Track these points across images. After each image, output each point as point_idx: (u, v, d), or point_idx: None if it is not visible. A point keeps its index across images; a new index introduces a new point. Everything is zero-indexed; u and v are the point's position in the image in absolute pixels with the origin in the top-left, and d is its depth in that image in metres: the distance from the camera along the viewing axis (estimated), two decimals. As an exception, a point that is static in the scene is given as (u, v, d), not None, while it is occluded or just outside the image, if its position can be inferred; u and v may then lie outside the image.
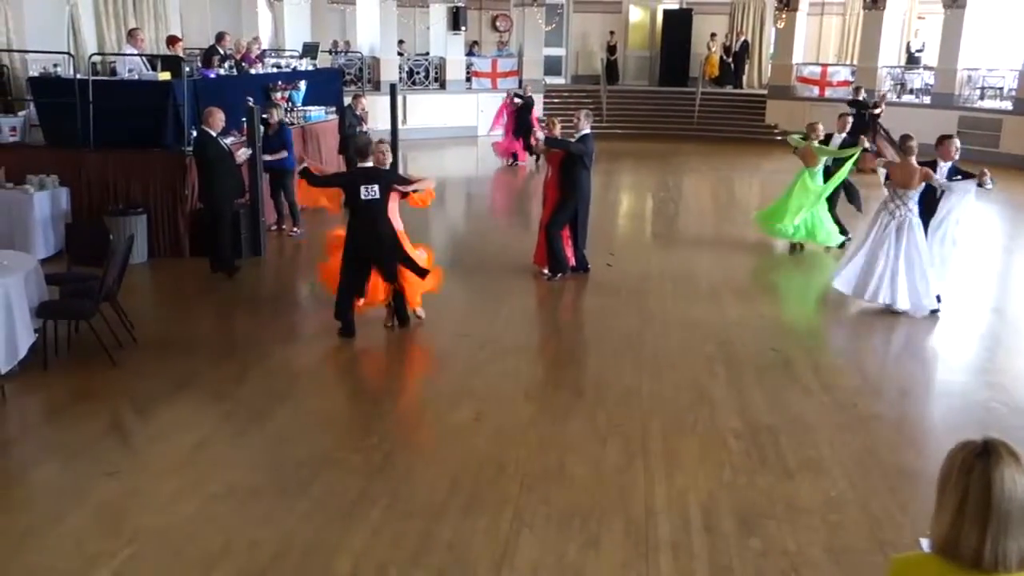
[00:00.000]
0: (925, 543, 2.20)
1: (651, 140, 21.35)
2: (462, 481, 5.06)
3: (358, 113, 13.07)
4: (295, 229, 11.21)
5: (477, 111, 22.09)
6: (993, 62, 19.38)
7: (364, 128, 13.79)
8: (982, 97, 19.33)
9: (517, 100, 17.88)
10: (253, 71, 13.72)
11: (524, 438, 5.66)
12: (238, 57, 13.89)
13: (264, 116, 10.52)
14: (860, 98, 14.13)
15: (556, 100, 23.47)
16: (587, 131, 9.00)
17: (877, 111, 16.22)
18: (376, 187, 7.09)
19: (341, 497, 4.85)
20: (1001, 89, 19.04)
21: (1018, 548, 1.93)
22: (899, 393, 6.61)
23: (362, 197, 7.08)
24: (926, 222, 8.17)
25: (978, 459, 1.97)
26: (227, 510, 4.72)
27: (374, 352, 7.39)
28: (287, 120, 11.54)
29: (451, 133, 20.39)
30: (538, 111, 18.26)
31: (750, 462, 5.35)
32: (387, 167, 7.44)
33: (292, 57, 16.14)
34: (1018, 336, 8.10)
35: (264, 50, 16.17)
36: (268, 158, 10.49)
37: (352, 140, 10.04)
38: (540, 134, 9.30)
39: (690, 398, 6.33)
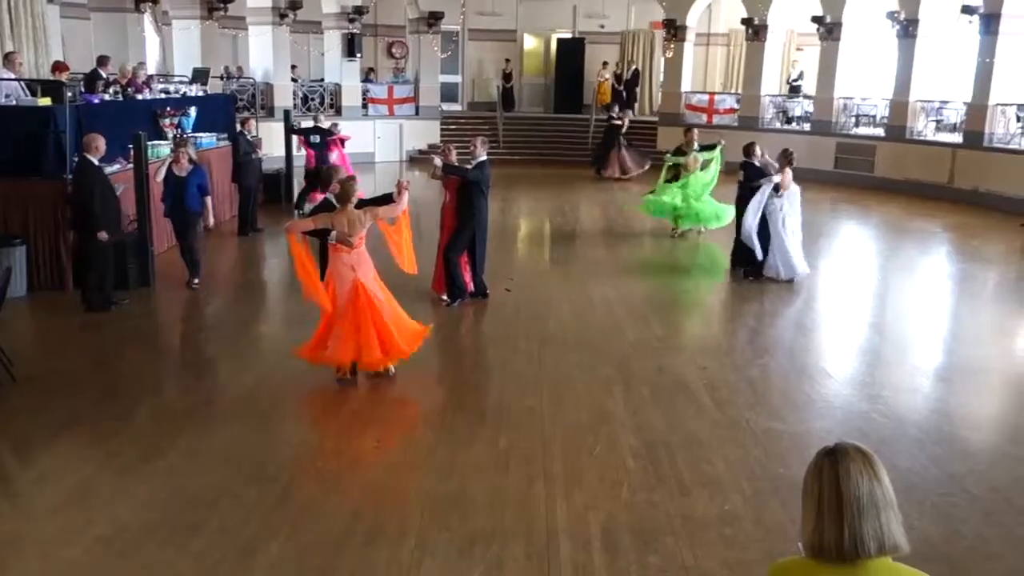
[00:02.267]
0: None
1: (547, 166, 21.69)
2: (363, 510, 4.99)
3: (250, 138, 12.84)
4: (195, 281, 9.96)
5: (374, 137, 22.03)
6: (866, 91, 20.50)
7: (260, 155, 13.57)
8: (857, 124, 20.41)
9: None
10: (140, 97, 13.34)
11: (425, 464, 5.64)
12: (124, 82, 13.48)
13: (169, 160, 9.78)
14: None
15: (453, 126, 23.62)
16: (483, 158, 9.09)
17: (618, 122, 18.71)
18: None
19: (237, 533, 4.72)
20: (874, 117, 20.14)
21: (873, 532, 2.05)
22: (788, 408, 6.86)
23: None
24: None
25: (827, 459, 2.12)
26: (115, 552, 4.53)
27: (269, 384, 7.22)
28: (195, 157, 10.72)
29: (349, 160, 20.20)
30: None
31: (648, 480, 5.46)
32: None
33: (181, 83, 15.75)
34: (895, 351, 8.53)
35: (151, 75, 15.75)
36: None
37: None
38: (438, 161, 9.32)
39: (589, 419, 6.42)
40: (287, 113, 16.86)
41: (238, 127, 13.65)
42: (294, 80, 21.61)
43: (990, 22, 16.82)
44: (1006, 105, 17.23)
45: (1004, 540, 4.90)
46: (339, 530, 4.76)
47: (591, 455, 5.80)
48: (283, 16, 19.96)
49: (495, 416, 6.47)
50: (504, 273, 10.58)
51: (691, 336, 9.22)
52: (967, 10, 17.53)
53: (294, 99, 20.79)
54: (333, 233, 6.73)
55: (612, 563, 4.51)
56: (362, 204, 7.06)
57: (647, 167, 19.38)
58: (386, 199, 7.36)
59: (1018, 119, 17.19)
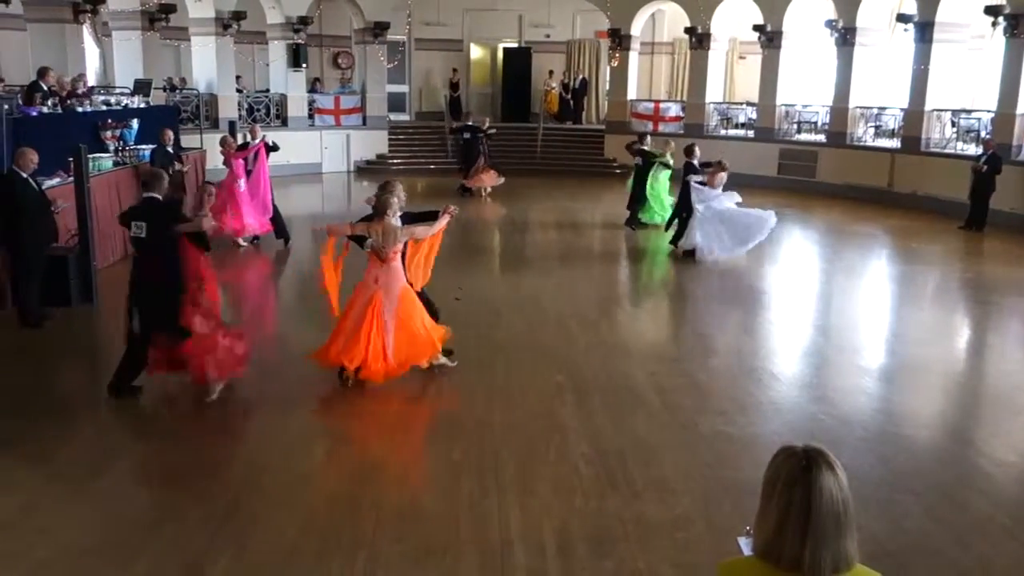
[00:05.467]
0: (743, 542, 2.33)
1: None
2: (314, 524, 4.93)
3: (169, 149, 12.53)
4: None
5: (321, 148, 21.87)
6: (808, 99, 20.92)
7: (182, 167, 13.20)
8: (799, 131, 20.81)
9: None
10: (81, 109, 13.07)
11: (377, 476, 5.59)
12: (63, 94, 13.20)
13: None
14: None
15: (401, 136, 23.57)
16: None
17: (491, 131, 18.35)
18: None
19: (183, 552, 4.62)
20: (815, 123, 20.56)
21: (831, 556, 2.08)
22: (736, 410, 6.94)
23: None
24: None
25: (800, 473, 2.11)
26: (57, 576, 4.41)
27: (215, 398, 7.10)
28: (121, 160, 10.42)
29: (295, 171, 20.02)
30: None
31: (600, 486, 5.48)
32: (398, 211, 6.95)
33: (123, 94, 15.47)
34: (840, 353, 8.69)
35: (92, 87, 15.44)
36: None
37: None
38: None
39: (541, 427, 6.43)
40: (232, 124, 16.64)
41: (160, 138, 13.13)
42: (239, 91, 21.36)
43: (924, 30, 17.30)
44: (941, 111, 17.73)
45: (946, 535, 5.01)
46: (288, 545, 4.70)
47: (546, 459, 5.80)
48: (227, 27, 19.72)
49: (447, 425, 6.44)
50: (453, 282, 10.54)
51: (640, 340, 9.28)
52: (902, 19, 18.04)
53: (239, 110, 20.54)
54: (369, 241, 6.79)
55: (566, 570, 4.52)
56: (407, 218, 7.16)
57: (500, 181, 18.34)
58: (430, 215, 7.41)
59: (953, 124, 17.69)
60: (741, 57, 24.30)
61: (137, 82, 16.63)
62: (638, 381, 7.46)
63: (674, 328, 9.89)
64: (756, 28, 20.58)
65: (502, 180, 18.13)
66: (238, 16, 19.72)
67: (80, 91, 13.78)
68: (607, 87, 25.50)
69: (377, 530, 4.88)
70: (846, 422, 6.69)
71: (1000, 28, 15.73)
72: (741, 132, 21.64)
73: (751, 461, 6.00)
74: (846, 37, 18.93)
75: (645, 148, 14.87)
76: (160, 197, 6.68)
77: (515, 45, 26.51)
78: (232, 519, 4.99)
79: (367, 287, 6.86)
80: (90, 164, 10.23)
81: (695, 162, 12.75)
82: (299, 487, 5.48)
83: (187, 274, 6.64)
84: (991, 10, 15.72)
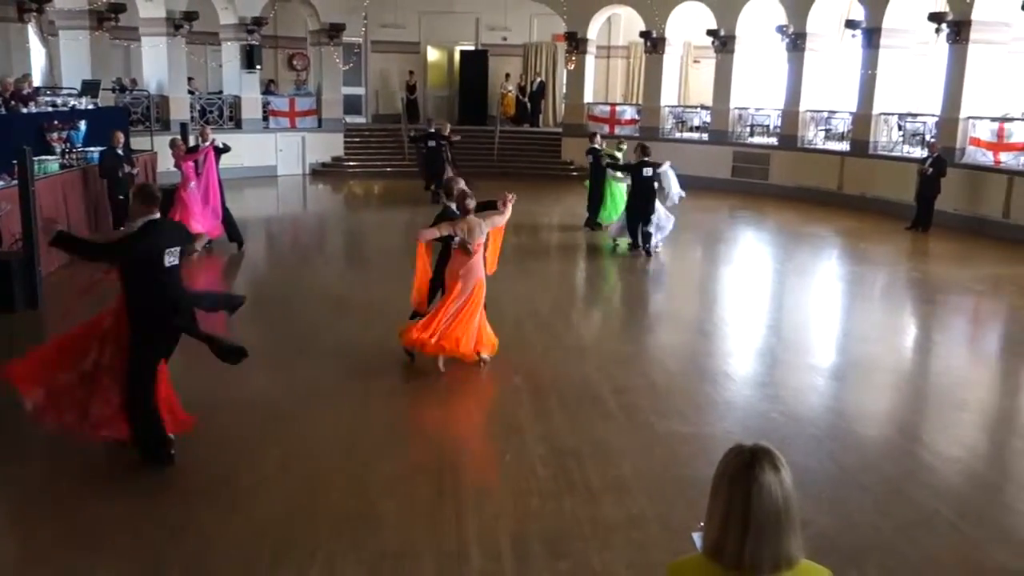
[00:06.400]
0: (696, 537, 2.37)
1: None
2: (269, 533, 4.88)
3: (119, 151, 12.31)
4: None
5: (276, 150, 21.67)
6: (761, 102, 21.22)
7: (132, 170, 12.97)
8: (752, 134, 21.10)
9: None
10: (25, 110, 12.79)
11: (333, 483, 5.55)
12: (7, 95, 12.90)
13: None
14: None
15: (357, 139, 23.43)
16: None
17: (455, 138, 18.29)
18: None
19: (137, 564, 4.55)
20: (768, 127, 20.86)
21: (771, 554, 2.12)
22: (691, 410, 7.02)
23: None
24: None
25: (743, 470, 2.14)
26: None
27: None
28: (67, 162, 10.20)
29: (248, 173, 19.80)
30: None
31: (557, 487, 5.51)
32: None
33: (70, 95, 15.17)
34: (791, 352, 8.83)
35: (37, 88, 15.11)
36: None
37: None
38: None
39: (499, 429, 6.45)
40: (183, 126, 16.42)
41: (111, 141, 12.89)
42: (191, 92, 21.06)
43: (871, 36, 17.66)
44: (889, 115, 18.10)
45: (896, 529, 5.12)
46: (242, 556, 4.65)
47: (503, 461, 5.81)
48: (178, 27, 19.42)
49: (403, 430, 6.42)
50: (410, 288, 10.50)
51: (596, 341, 9.33)
52: (851, 24, 18.39)
53: (191, 112, 20.25)
54: (457, 239, 7.33)
55: (522, 572, 4.54)
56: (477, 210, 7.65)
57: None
58: (490, 206, 7.85)
59: (899, 128, 18.07)
60: (695, 61, 24.56)
61: (85, 83, 16.32)
62: (595, 382, 7.50)
63: (631, 329, 9.96)
64: (710, 33, 20.83)
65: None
66: (190, 16, 19.44)
67: (25, 92, 13.47)
68: (564, 90, 25.62)
69: (332, 537, 4.85)
70: (798, 420, 6.81)
71: (943, 35, 16.12)
72: (696, 135, 21.88)
73: (706, 460, 6.07)
74: (796, 42, 19.25)
75: (596, 147, 14.98)
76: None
77: (472, 48, 26.50)
78: (183, 534, 4.91)
79: (454, 278, 7.45)
80: (35, 166, 10.03)
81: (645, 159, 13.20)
82: (253, 497, 5.41)
83: None
84: (935, 17, 16.11)
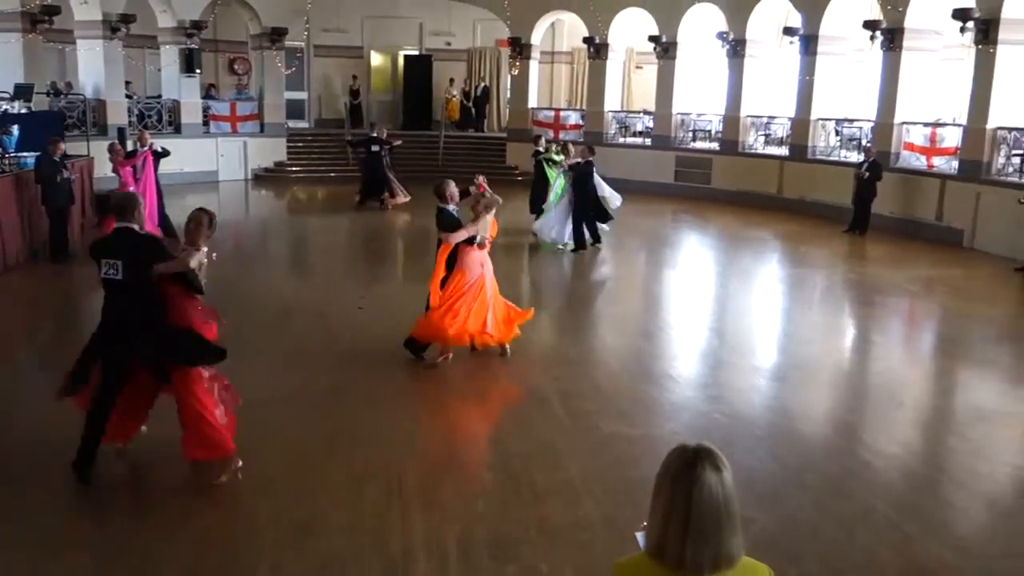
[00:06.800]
0: (640, 536, 2.38)
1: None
2: (214, 542, 4.80)
3: (57, 159, 11.99)
4: None
5: (217, 156, 21.34)
6: (702, 108, 21.52)
7: (70, 175, 12.62)
8: (694, 139, 21.39)
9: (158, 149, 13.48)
10: (-46, 114, 12.40)
11: (276, 490, 5.47)
12: (-66, 98, 12.50)
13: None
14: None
15: (300, 144, 23.18)
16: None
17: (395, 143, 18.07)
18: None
19: (73, 576, 4.44)
20: (709, 132, 21.17)
21: (712, 552, 2.14)
22: (636, 412, 7.08)
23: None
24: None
25: (685, 469, 2.16)
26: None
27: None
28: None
29: (189, 179, 19.45)
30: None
31: (504, 491, 5.51)
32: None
33: (2, 99, 14.74)
34: (734, 353, 8.97)
35: (-34, 91, 14.67)
36: None
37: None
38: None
39: (445, 434, 6.42)
40: (121, 131, 16.08)
41: (50, 148, 12.55)
42: (129, 96, 20.63)
43: (809, 43, 18.05)
44: (826, 120, 18.51)
45: (836, 526, 5.23)
46: (186, 568, 4.56)
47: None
48: (115, 30, 18.99)
49: (349, 437, 6.36)
50: (356, 293, 10.45)
51: (542, 345, 9.36)
52: (789, 32, 18.78)
53: (129, 116, 19.83)
54: (479, 237, 7.77)
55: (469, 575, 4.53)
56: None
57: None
58: (464, 194, 8.27)
59: (837, 133, 18.49)
60: (638, 67, 24.84)
61: (18, 86, 15.86)
62: (541, 386, 7.52)
63: (576, 332, 10.00)
64: (652, 39, 21.08)
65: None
66: (127, 19, 19.01)
67: (-46, 95, 13.08)
68: (508, 95, 25.70)
69: (279, 545, 4.78)
70: (740, 420, 6.91)
71: (878, 42, 16.55)
72: (639, 140, 22.11)
73: (651, 461, 6.10)
74: (736, 49, 19.59)
75: (539, 149, 15.04)
76: (138, 227, 5.52)
77: (416, 53, 26.43)
78: (130, 541, 4.81)
79: (474, 271, 7.80)
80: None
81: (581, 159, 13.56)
82: (199, 506, 5.31)
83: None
84: (869, 24, 16.56)
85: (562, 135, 22.15)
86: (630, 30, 22.30)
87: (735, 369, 8.43)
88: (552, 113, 23.64)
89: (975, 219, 14.64)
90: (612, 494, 5.53)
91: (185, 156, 20.09)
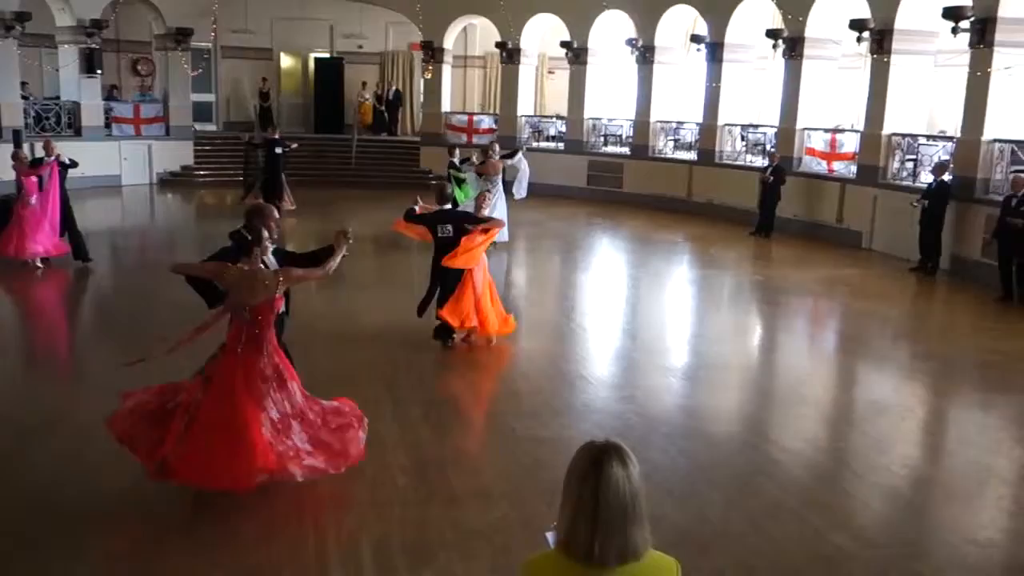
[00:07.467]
0: (549, 535, 2.42)
1: (310, 187, 21.16)
2: (123, 558, 4.64)
3: None
4: None
5: (120, 159, 20.67)
6: (613, 113, 21.87)
7: None
8: (606, 144, 21.71)
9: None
10: None
11: (188, 503, 5.32)
12: None
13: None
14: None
15: (208, 147, 22.63)
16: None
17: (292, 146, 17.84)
18: (449, 227, 8.32)
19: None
20: (620, 137, 21.52)
21: (618, 547, 2.19)
22: (550, 414, 7.14)
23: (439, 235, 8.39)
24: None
25: (592, 465, 2.20)
26: None
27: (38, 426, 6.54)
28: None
29: (90, 184, 18.69)
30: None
31: (419, 496, 5.49)
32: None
33: None
34: (647, 355, 9.13)
35: None
36: None
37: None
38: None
39: (359, 441, 6.34)
40: (17, 134, 15.42)
41: None
42: (25, 97, 19.79)
43: (715, 50, 18.53)
44: (732, 125, 19.03)
45: (744, 521, 5.38)
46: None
47: (362, 473, 5.74)
48: (9, 28, 18.20)
49: (261, 446, 6.23)
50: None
51: (457, 350, 9.35)
52: (696, 39, 19.24)
53: (25, 118, 19.02)
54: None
55: (385, 583, 4.49)
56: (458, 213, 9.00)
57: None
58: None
59: (743, 138, 19.03)
60: (550, 72, 25.08)
61: (-98, 86, 15.09)
62: (456, 391, 7.53)
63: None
64: (563, 44, 21.31)
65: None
66: (22, 17, 18.24)
67: None
68: (421, 99, 25.61)
69: (190, 557, 4.66)
70: (652, 419, 7.04)
71: (780, 50, 17.12)
72: (552, 144, 22.32)
73: (565, 462, 6.07)
74: (645, 55, 19.97)
75: (453, 160, 15.08)
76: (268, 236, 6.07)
77: (327, 55, 26.11)
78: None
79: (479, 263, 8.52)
80: None
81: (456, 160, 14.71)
82: (101, 521, 5.14)
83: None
84: (772, 33, 17.12)
85: (475, 139, 22.23)
86: (542, 35, 22.51)
87: (646, 369, 8.59)
88: (465, 117, 23.68)
89: (873, 221, 15.25)
90: (528, 496, 5.57)
91: (86, 160, 19.31)
